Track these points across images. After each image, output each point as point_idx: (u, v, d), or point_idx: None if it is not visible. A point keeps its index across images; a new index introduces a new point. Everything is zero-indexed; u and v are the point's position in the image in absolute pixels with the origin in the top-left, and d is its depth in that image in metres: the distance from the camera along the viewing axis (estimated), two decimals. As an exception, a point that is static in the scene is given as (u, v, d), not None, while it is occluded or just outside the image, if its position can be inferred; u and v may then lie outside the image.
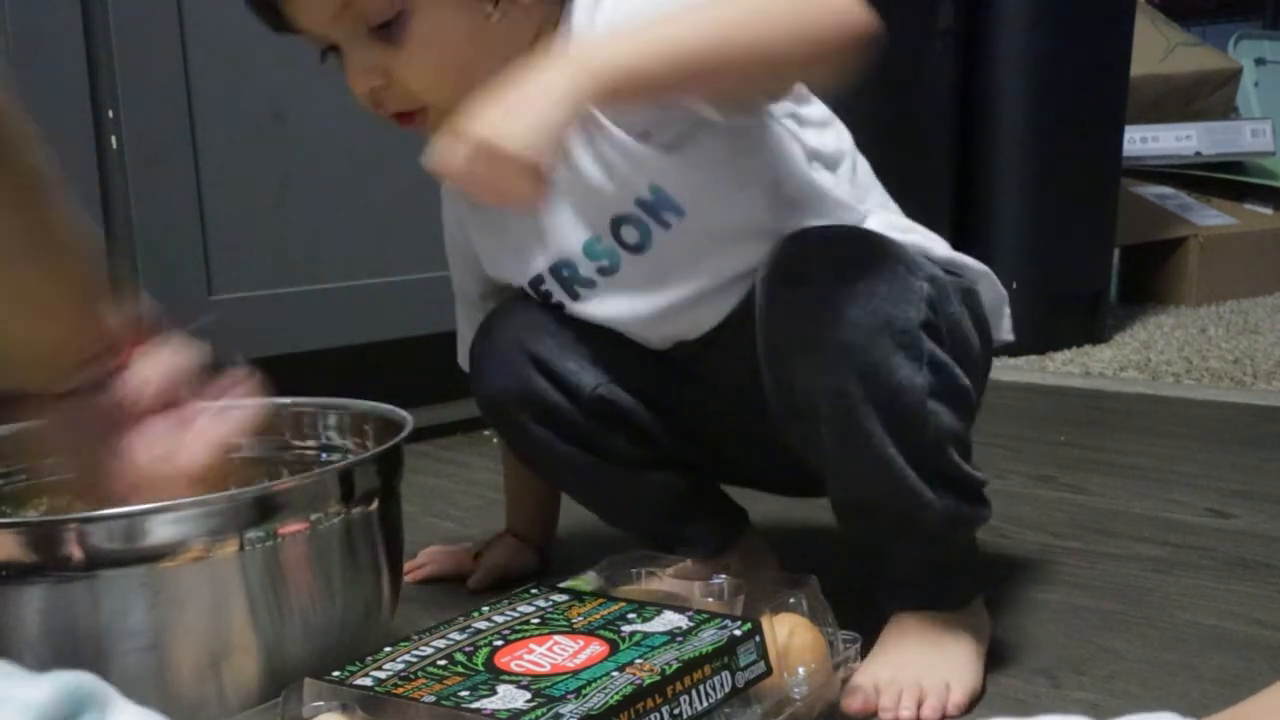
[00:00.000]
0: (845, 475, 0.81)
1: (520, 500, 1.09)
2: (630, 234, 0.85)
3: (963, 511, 0.81)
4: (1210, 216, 2.76)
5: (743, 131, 0.82)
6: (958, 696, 0.78)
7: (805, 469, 0.84)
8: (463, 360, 0.99)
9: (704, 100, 0.78)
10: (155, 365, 0.74)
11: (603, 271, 0.88)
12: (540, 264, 0.89)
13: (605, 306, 0.90)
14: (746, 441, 0.94)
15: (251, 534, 0.72)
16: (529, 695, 0.63)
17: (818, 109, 0.89)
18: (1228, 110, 3.04)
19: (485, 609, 0.76)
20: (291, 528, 0.74)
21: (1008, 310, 0.92)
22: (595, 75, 0.69)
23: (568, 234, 0.87)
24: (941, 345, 0.78)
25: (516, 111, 0.69)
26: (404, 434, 0.82)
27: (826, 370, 0.76)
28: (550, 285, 0.90)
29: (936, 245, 0.88)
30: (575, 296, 0.90)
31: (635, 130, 0.81)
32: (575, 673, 0.66)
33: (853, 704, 0.78)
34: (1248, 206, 2.88)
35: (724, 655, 0.68)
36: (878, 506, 0.80)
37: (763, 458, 0.94)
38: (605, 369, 0.91)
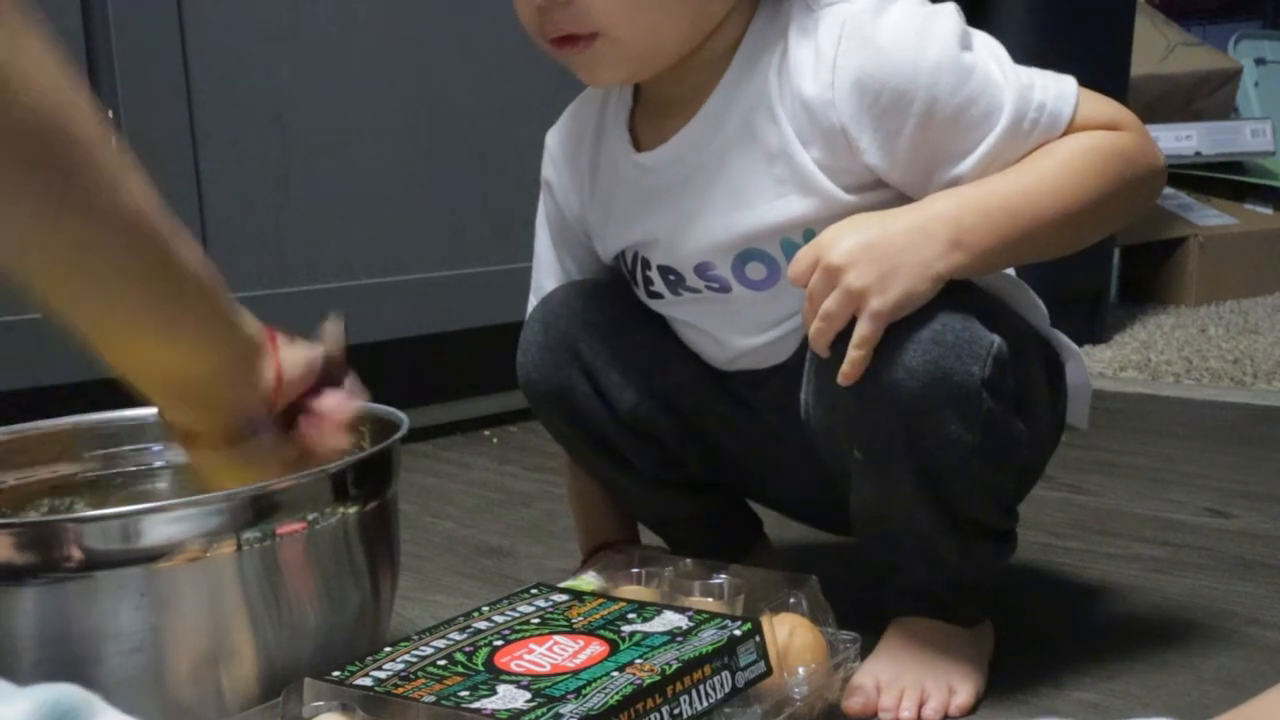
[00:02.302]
0: (868, 498, 0.80)
1: (603, 505, 1.00)
2: (756, 270, 0.83)
3: (985, 551, 0.81)
4: (1210, 216, 2.76)
5: (908, 197, 0.79)
6: (961, 699, 0.77)
7: (839, 506, 0.82)
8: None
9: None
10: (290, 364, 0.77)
11: (711, 289, 0.86)
12: (654, 256, 0.87)
13: (693, 314, 0.88)
14: (785, 474, 0.92)
15: (248, 534, 0.72)
16: (529, 695, 0.63)
17: None
18: (1228, 110, 3.03)
19: (485, 609, 0.76)
20: (288, 527, 0.73)
21: (1089, 398, 0.90)
22: (969, 256, 0.73)
23: (694, 243, 0.84)
24: (1004, 403, 0.76)
25: (893, 275, 0.72)
26: (400, 434, 0.82)
27: (874, 408, 0.74)
28: (653, 274, 0.88)
29: (1036, 313, 0.86)
30: (675, 295, 0.88)
31: (818, 161, 0.79)
32: (575, 673, 0.66)
33: (853, 704, 0.77)
34: (1248, 206, 2.87)
35: (724, 655, 0.68)
36: (895, 532, 0.80)
37: (798, 490, 0.93)
38: (651, 385, 0.90)
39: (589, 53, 0.78)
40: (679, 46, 0.80)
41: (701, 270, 0.85)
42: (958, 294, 0.74)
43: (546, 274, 0.96)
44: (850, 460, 0.78)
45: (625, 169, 0.87)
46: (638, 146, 0.86)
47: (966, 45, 0.77)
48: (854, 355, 0.72)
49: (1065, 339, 0.88)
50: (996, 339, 0.75)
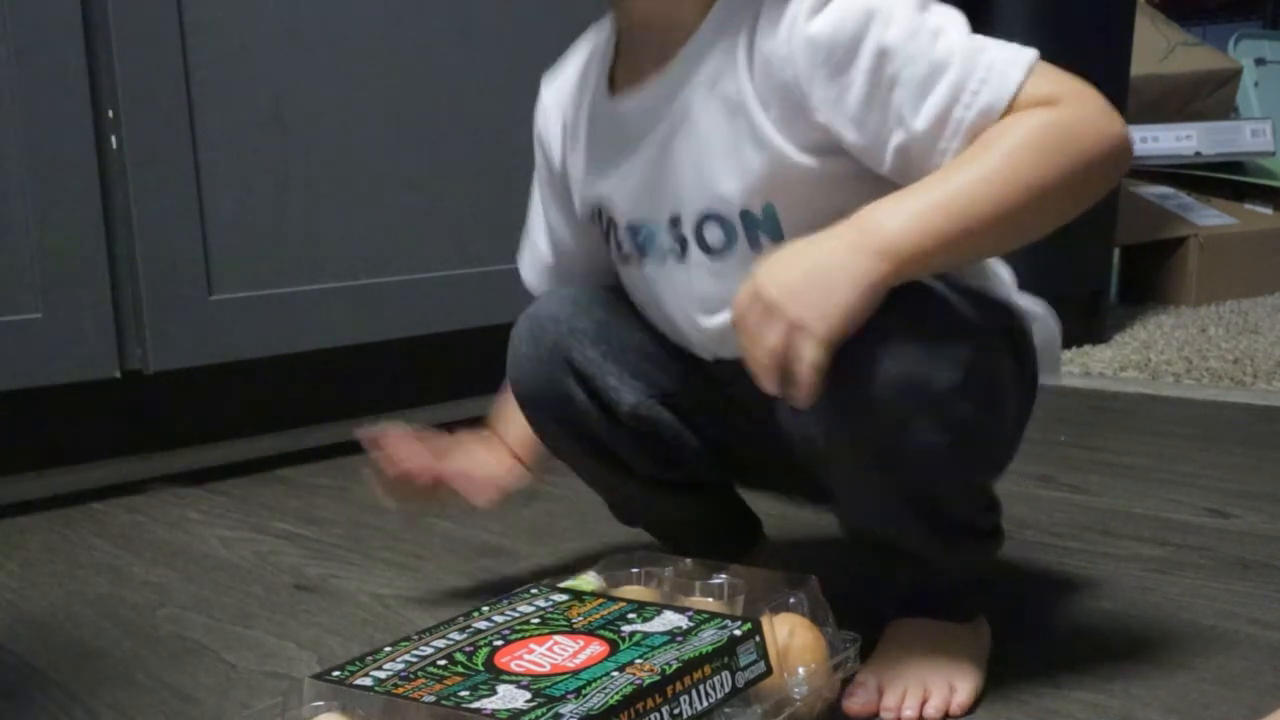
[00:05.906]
0: (851, 508, 0.81)
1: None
2: (714, 233, 0.83)
3: (972, 549, 0.81)
4: (1210, 216, 2.76)
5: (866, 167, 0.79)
6: (962, 697, 0.78)
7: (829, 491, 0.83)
8: (523, 269, 1.01)
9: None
10: None
11: (672, 252, 0.85)
12: (621, 212, 0.87)
13: (655, 286, 0.88)
14: (781, 461, 0.92)
15: None
16: (529, 695, 0.63)
17: None
18: (1228, 110, 3.03)
19: (485, 609, 0.76)
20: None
21: (1058, 351, 0.89)
22: (897, 262, 0.71)
23: (658, 194, 0.84)
24: (976, 405, 0.75)
25: (823, 293, 0.70)
26: None
27: (846, 419, 0.74)
28: (622, 235, 0.88)
29: (1000, 283, 0.85)
30: (641, 256, 0.88)
31: (773, 120, 0.79)
32: (575, 673, 0.66)
33: (854, 703, 0.77)
34: (1248, 206, 2.88)
35: (724, 655, 0.68)
36: (883, 538, 0.80)
37: (795, 474, 0.93)
38: (647, 382, 0.90)
39: None
40: None
41: (664, 226, 0.85)
42: (916, 298, 0.74)
43: (538, 230, 0.98)
44: (831, 470, 0.79)
45: (600, 118, 0.88)
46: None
47: (924, 8, 0.77)
48: (807, 383, 0.71)
49: (1029, 300, 0.86)
50: (962, 341, 0.75)
